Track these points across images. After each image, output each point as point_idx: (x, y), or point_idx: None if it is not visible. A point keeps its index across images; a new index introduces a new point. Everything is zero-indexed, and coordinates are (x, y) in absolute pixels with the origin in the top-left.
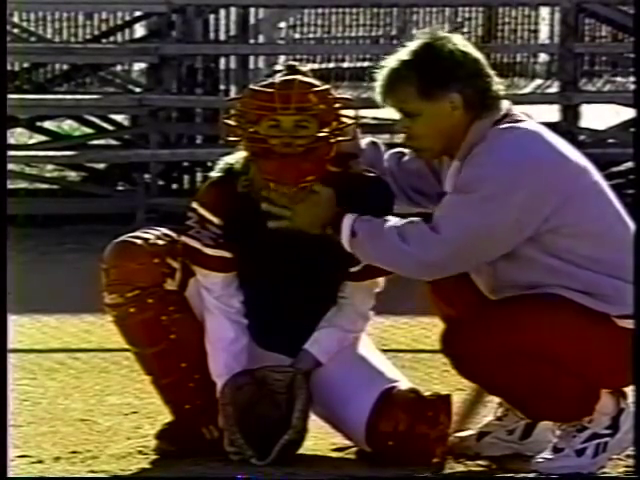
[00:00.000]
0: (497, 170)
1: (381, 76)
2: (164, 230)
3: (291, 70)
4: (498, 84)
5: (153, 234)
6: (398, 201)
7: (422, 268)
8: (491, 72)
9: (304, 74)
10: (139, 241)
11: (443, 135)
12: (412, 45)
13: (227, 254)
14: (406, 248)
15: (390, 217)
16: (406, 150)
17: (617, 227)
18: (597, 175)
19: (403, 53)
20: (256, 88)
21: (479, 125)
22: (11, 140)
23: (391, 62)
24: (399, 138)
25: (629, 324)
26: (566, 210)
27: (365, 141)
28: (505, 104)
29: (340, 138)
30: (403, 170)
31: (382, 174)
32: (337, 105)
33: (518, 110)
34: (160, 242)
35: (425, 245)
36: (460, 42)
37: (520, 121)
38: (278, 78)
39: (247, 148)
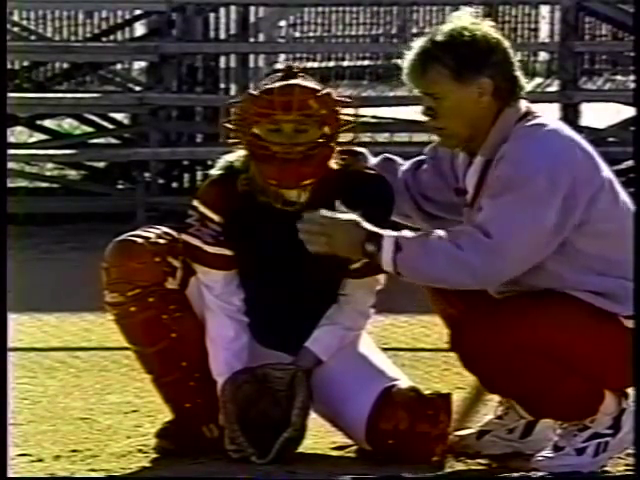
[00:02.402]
0: (537, 170)
1: (412, 56)
2: (165, 229)
3: (288, 72)
4: (522, 76)
5: (154, 233)
6: (404, 209)
7: (480, 277)
8: (517, 62)
9: (302, 77)
10: (140, 240)
11: (466, 122)
12: (446, 27)
13: (228, 252)
14: (464, 256)
15: (430, 231)
16: (423, 157)
17: (628, 226)
18: (608, 170)
19: (436, 34)
20: (255, 94)
21: (506, 117)
22: (11, 139)
23: (423, 43)
24: (399, 137)
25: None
26: (590, 208)
27: (377, 158)
28: (524, 102)
29: (341, 139)
30: (418, 177)
31: (393, 182)
32: (338, 108)
33: (535, 107)
34: (161, 241)
35: (482, 253)
36: (491, 29)
37: (543, 118)
38: (277, 83)
39: (247, 150)
